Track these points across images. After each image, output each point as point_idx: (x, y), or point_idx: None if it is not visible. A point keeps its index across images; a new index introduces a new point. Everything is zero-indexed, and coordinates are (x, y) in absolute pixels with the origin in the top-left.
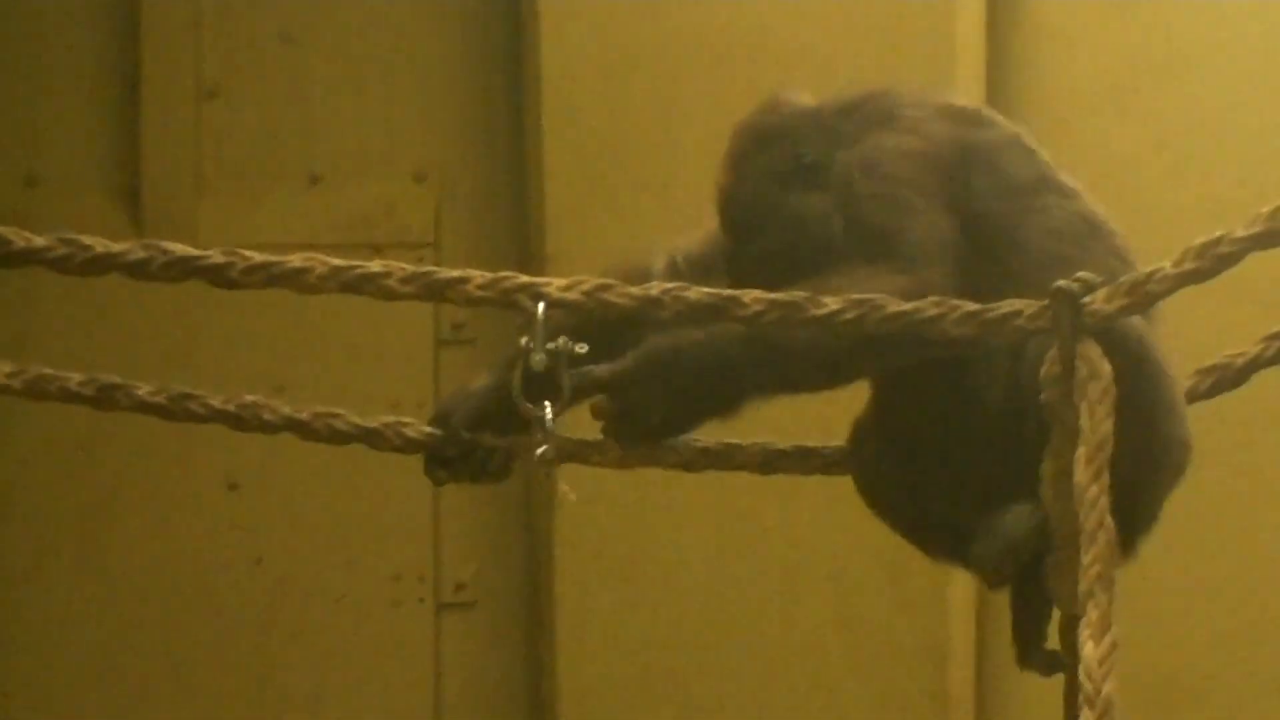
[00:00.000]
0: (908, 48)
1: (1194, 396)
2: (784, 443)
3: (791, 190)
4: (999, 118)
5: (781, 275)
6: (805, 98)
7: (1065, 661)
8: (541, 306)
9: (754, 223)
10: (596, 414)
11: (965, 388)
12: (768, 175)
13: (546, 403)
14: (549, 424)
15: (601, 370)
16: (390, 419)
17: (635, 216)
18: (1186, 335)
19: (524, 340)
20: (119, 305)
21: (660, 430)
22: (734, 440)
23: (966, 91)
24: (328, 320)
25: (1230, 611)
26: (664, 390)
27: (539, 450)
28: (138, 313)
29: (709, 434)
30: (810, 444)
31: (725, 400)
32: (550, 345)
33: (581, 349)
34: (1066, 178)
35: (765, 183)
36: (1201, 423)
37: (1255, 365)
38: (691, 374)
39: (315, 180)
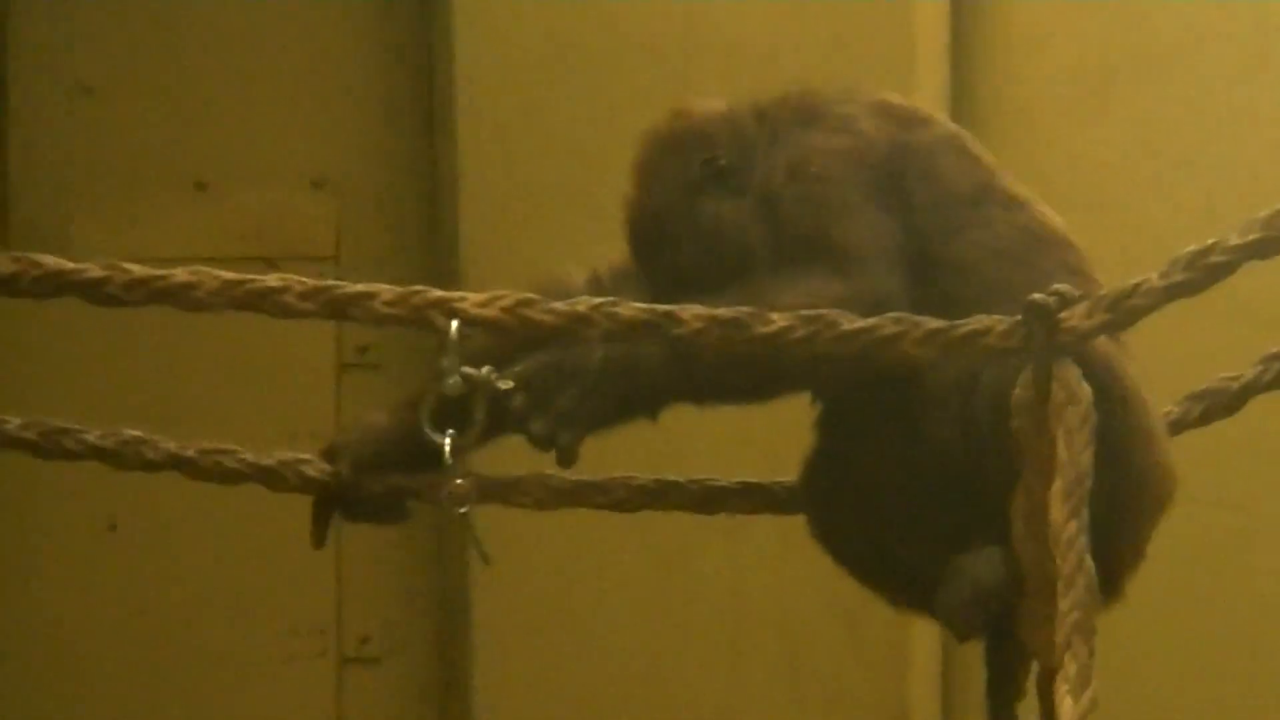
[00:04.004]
0: (860, 45)
1: (1183, 424)
2: (727, 479)
3: (705, 198)
4: (937, 117)
5: (694, 295)
6: (716, 103)
7: None
8: (455, 325)
9: (663, 237)
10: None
11: (916, 415)
12: (677, 184)
13: (451, 430)
14: (448, 458)
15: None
16: (288, 456)
17: (558, 228)
18: (1174, 356)
19: (444, 362)
20: None
21: (576, 424)
22: (672, 477)
23: (928, 94)
24: (218, 342)
25: (1222, 663)
26: (579, 389)
27: (450, 486)
28: (6, 334)
29: (642, 469)
30: (756, 480)
31: (644, 402)
32: (469, 370)
33: (505, 384)
34: (1014, 185)
35: (675, 193)
36: (1191, 453)
37: (1252, 389)
38: (609, 375)
39: (202, 187)
